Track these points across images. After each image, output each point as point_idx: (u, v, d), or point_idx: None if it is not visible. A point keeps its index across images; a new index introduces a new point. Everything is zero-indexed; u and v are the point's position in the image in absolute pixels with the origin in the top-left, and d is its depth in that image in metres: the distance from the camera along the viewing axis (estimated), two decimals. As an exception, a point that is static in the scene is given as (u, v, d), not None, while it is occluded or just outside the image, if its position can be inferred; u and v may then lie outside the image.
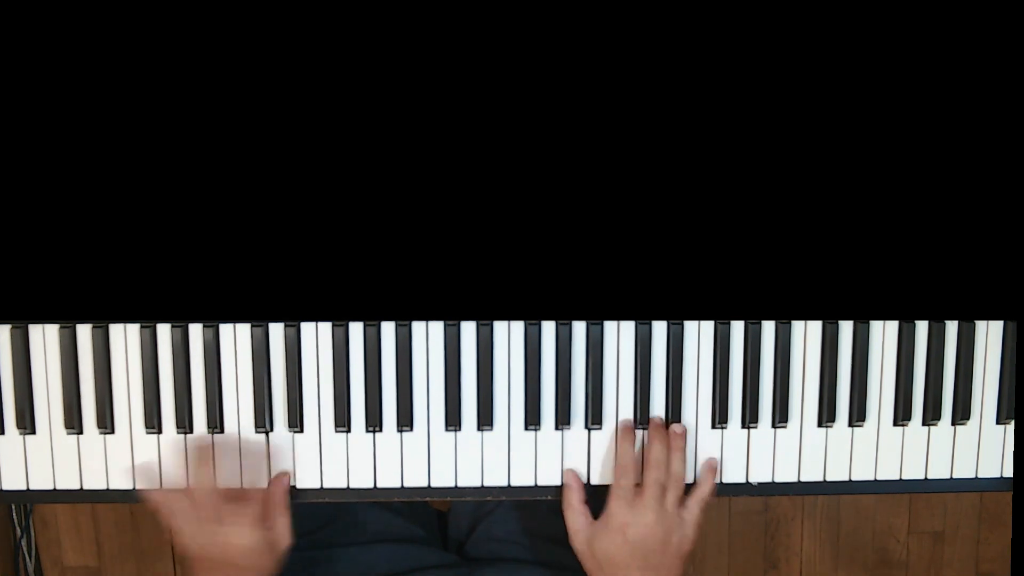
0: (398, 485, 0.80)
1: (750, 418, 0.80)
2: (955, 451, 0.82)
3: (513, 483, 0.80)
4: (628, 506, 0.75)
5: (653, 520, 0.74)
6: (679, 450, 0.77)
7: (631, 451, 0.77)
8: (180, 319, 0.77)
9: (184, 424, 0.78)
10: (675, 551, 0.74)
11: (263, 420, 0.78)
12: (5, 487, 0.79)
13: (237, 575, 0.74)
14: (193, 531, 0.74)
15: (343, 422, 0.79)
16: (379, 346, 0.78)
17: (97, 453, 0.79)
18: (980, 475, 0.82)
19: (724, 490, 0.81)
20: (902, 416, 0.80)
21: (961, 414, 0.81)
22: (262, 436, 0.79)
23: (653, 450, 0.76)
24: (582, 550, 0.77)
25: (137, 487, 0.78)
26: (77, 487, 0.79)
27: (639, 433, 0.80)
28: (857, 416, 0.80)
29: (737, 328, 0.79)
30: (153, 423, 0.78)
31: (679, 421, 0.80)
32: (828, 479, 0.81)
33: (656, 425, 0.79)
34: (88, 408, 0.78)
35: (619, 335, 0.79)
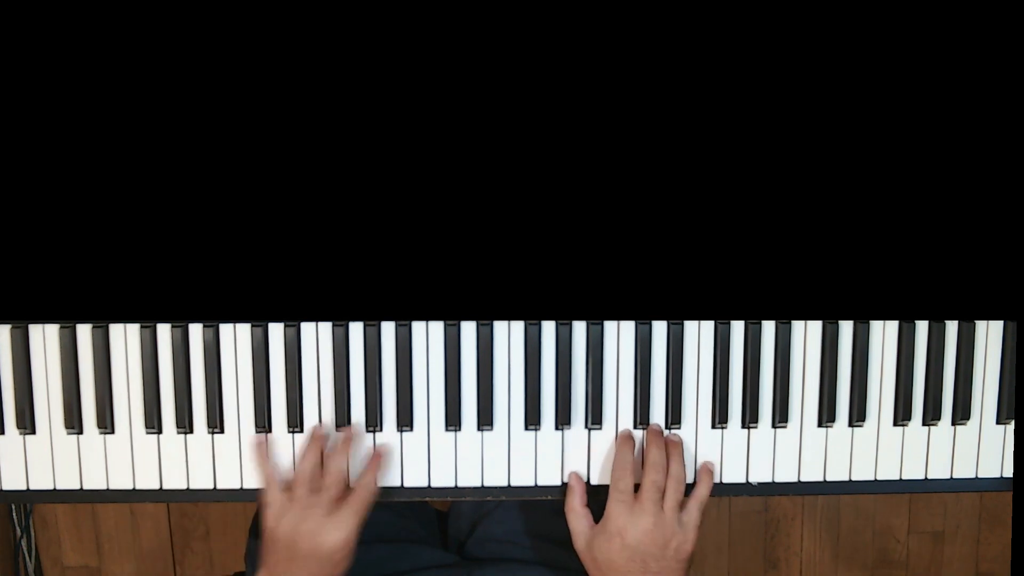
0: (398, 485, 0.80)
1: (750, 418, 0.80)
2: (955, 451, 0.82)
3: (513, 483, 0.80)
4: (626, 510, 0.74)
5: (651, 524, 0.74)
6: (678, 454, 0.77)
7: (630, 455, 0.77)
8: (180, 319, 0.77)
9: (184, 424, 0.78)
10: (674, 555, 0.74)
11: (263, 420, 0.78)
12: (5, 487, 0.79)
13: (309, 570, 0.73)
14: (290, 518, 0.73)
15: (343, 422, 0.79)
16: (379, 346, 0.78)
17: (97, 453, 0.78)
18: (980, 475, 0.82)
19: (724, 490, 0.81)
20: (902, 416, 0.80)
21: (961, 414, 0.81)
22: (262, 436, 0.79)
23: (651, 453, 0.76)
24: (583, 552, 0.77)
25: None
26: (77, 487, 0.79)
27: (638, 435, 0.80)
28: (857, 416, 0.80)
29: (737, 328, 0.79)
30: (153, 423, 0.78)
31: (679, 421, 0.80)
32: (828, 479, 0.81)
33: (654, 430, 0.79)
34: (88, 408, 0.78)
35: (619, 335, 0.79)
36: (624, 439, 0.78)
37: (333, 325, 0.78)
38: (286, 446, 0.79)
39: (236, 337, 0.78)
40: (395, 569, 0.88)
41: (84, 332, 0.77)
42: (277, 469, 0.78)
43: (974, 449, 0.82)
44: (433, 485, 0.80)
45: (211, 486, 0.79)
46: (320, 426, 0.79)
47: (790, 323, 0.79)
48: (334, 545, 0.73)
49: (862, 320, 0.79)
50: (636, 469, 0.77)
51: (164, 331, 0.78)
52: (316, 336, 0.78)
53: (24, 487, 0.79)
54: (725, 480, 0.81)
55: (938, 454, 0.81)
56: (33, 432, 0.78)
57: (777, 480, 0.81)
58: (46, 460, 0.79)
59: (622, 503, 0.75)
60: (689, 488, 0.78)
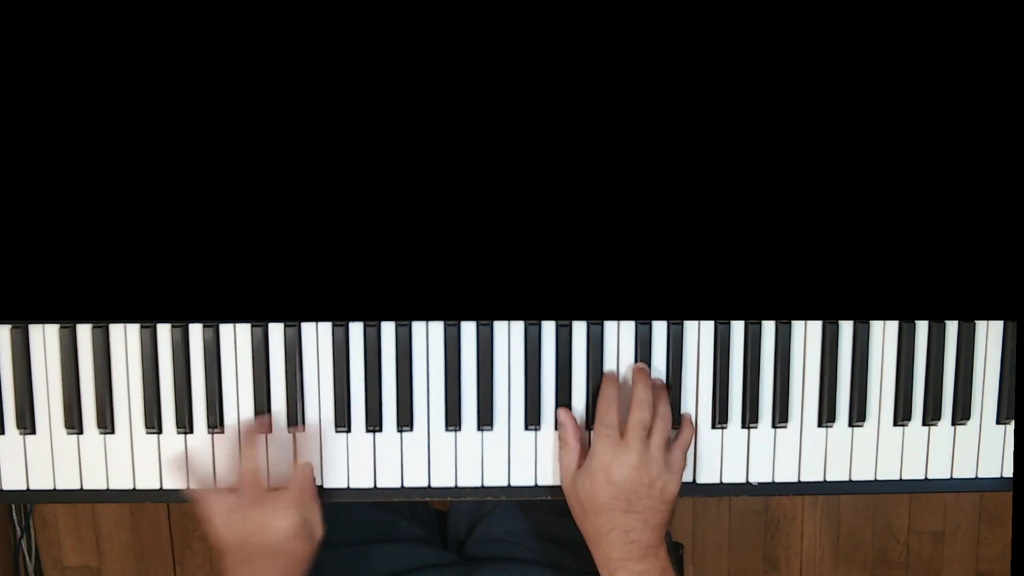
0: (398, 485, 0.80)
1: (750, 418, 0.80)
2: (955, 451, 0.82)
3: (513, 483, 0.80)
4: (612, 445, 0.74)
5: (637, 460, 0.73)
6: (664, 397, 0.77)
7: (615, 392, 0.77)
8: (180, 319, 0.77)
9: (184, 424, 0.78)
10: (659, 495, 0.74)
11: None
12: (5, 487, 0.79)
13: (272, 564, 0.74)
14: (235, 519, 0.74)
15: (343, 422, 0.79)
16: (379, 346, 0.78)
17: (97, 453, 0.79)
18: (980, 475, 0.82)
19: (724, 490, 0.81)
20: (902, 416, 0.80)
21: (961, 414, 0.81)
22: (262, 436, 0.79)
23: (637, 391, 0.76)
24: (568, 491, 0.76)
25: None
26: (77, 487, 0.79)
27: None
28: (857, 416, 0.80)
29: (737, 328, 0.79)
30: (153, 423, 0.78)
31: (678, 421, 0.79)
32: (828, 479, 0.81)
33: (640, 368, 0.78)
34: (88, 408, 0.78)
35: (619, 335, 0.79)
36: (610, 378, 0.78)
37: (333, 325, 0.78)
38: (287, 445, 0.79)
39: (236, 337, 0.78)
40: (395, 569, 0.88)
41: (84, 332, 0.77)
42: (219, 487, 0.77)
43: (974, 449, 0.82)
44: (433, 485, 0.80)
45: (211, 486, 0.79)
46: (247, 423, 0.78)
47: (790, 323, 0.79)
48: (284, 533, 0.73)
49: (862, 320, 0.79)
50: (621, 407, 0.77)
51: (164, 331, 0.78)
52: (316, 336, 0.78)
53: (24, 487, 0.79)
54: (725, 480, 0.81)
55: (938, 454, 0.81)
56: (33, 432, 0.78)
57: (777, 480, 0.81)
58: (46, 460, 0.79)
59: (608, 438, 0.74)
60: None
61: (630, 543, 0.73)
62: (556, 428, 0.79)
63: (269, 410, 0.78)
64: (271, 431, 0.78)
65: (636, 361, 0.79)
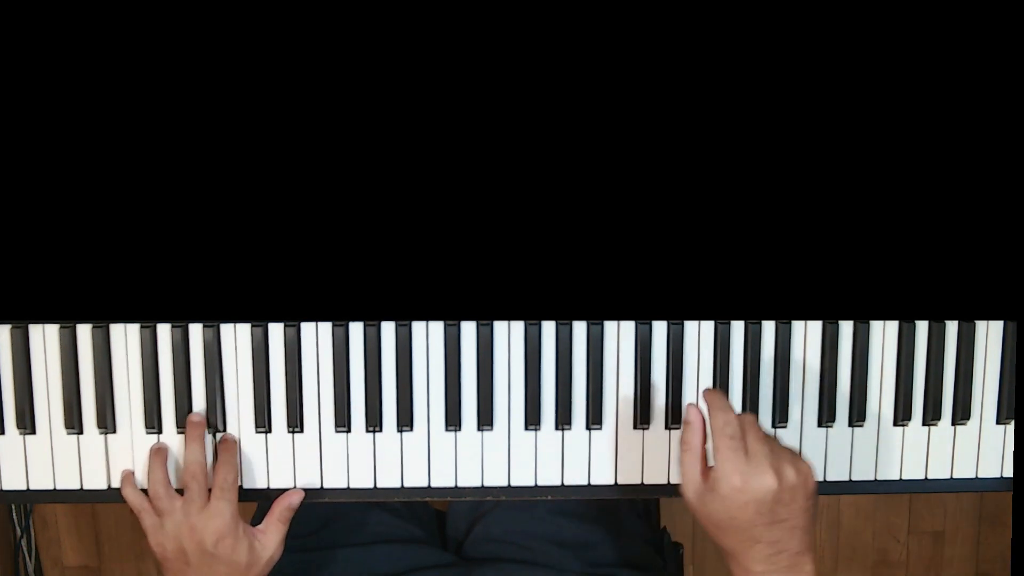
0: (398, 485, 0.80)
1: (750, 418, 0.80)
2: (955, 451, 0.82)
3: (513, 483, 0.80)
4: (741, 464, 0.68)
5: (772, 476, 0.68)
6: (724, 405, 0.72)
7: (724, 400, 0.72)
8: (180, 319, 0.77)
9: (184, 424, 0.78)
10: (793, 495, 0.68)
11: (263, 420, 0.78)
12: (5, 487, 0.79)
13: (208, 570, 0.73)
14: (168, 526, 0.74)
15: (343, 422, 0.79)
16: (379, 346, 0.78)
17: (97, 453, 0.78)
18: (980, 475, 0.82)
19: (724, 490, 0.81)
20: (902, 416, 0.80)
21: (961, 414, 0.81)
22: (262, 436, 0.79)
23: (716, 418, 0.71)
24: (697, 508, 0.71)
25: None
26: (77, 487, 0.79)
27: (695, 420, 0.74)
28: (857, 416, 0.80)
29: (737, 328, 0.79)
30: (153, 423, 0.78)
31: (678, 421, 0.80)
32: (828, 479, 0.81)
33: (713, 392, 0.73)
34: (88, 408, 0.78)
35: (619, 335, 0.79)
36: (711, 392, 0.73)
37: (333, 325, 0.78)
38: (286, 446, 0.79)
39: (236, 337, 0.78)
40: (394, 569, 0.88)
41: (84, 332, 0.77)
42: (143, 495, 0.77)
43: (974, 449, 0.82)
44: (433, 485, 0.80)
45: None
46: (158, 441, 0.78)
47: (790, 323, 0.79)
48: (215, 535, 0.73)
49: (862, 320, 0.79)
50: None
51: (164, 331, 0.78)
52: (316, 336, 0.78)
53: (24, 487, 0.79)
54: (725, 480, 0.81)
55: (938, 454, 0.81)
56: (33, 432, 0.78)
57: (777, 480, 0.81)
58: (46, 460, 0.79)
59: (734, 453, 0.69)
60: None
61: (777, 553, 0.69)
62: (557, 428, 0.79)
63: (269, 410, 0.78)
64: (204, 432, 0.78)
65: (636, 361, 0.79)
